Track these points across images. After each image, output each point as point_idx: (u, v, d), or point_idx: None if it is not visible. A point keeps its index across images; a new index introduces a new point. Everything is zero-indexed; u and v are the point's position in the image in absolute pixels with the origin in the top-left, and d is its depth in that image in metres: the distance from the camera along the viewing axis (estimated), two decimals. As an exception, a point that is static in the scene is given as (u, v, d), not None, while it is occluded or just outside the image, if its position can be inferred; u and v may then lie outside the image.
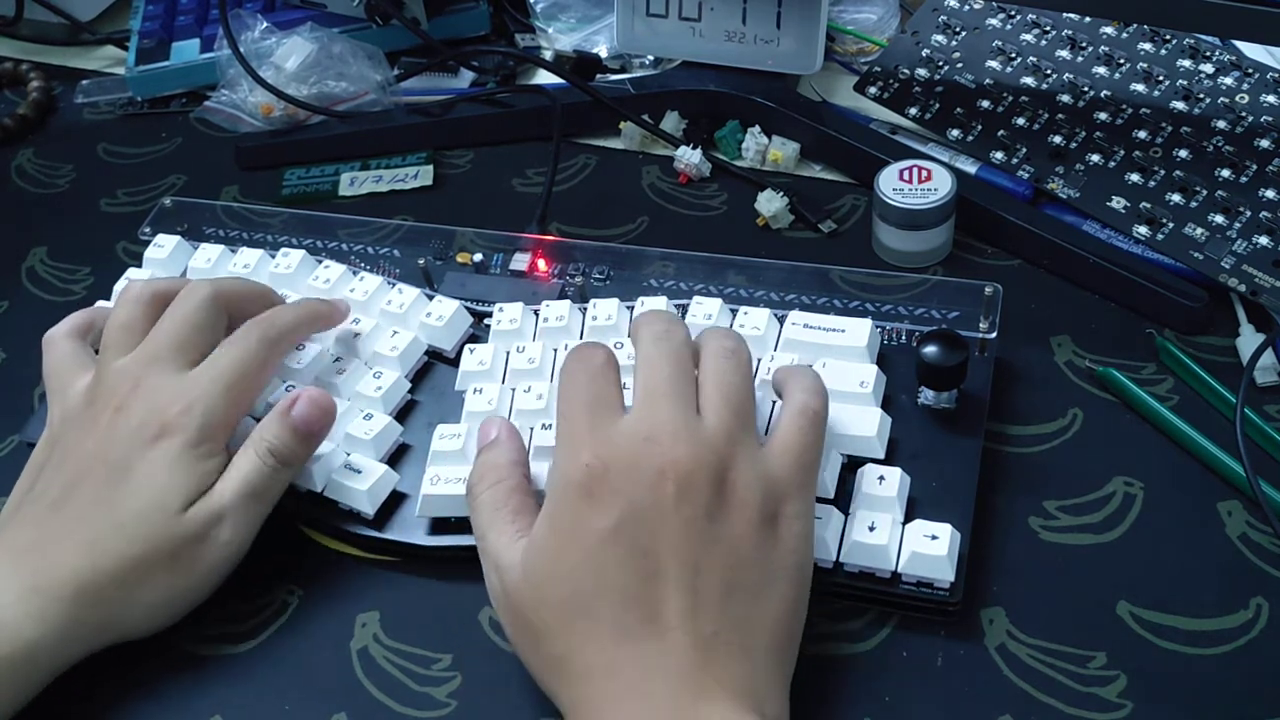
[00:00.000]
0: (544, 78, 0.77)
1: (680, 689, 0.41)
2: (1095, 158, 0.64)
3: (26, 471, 0.53)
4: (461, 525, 0.51)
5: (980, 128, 0.67)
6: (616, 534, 0.43)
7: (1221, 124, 0.64)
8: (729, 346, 0.49)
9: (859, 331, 0.55)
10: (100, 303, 0.62)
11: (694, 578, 0.43)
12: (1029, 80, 0.68)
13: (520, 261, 0.63)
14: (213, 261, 0.64)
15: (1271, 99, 0.65)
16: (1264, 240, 0.59)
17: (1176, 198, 0.62)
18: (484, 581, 0.48)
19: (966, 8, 0.72)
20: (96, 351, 0.56)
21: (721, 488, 0.44)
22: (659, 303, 0.57)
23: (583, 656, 0.43)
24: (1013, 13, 0.71)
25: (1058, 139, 0.66)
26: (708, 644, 0.42)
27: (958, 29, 0.71)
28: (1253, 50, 0.68)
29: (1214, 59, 0.67)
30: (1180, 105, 0.66)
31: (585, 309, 0.58)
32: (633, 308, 0.58)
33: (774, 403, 0.52)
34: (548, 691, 0.45)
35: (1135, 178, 0.63)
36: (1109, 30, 0.69)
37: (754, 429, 0.47)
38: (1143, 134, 0.65)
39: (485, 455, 0.50)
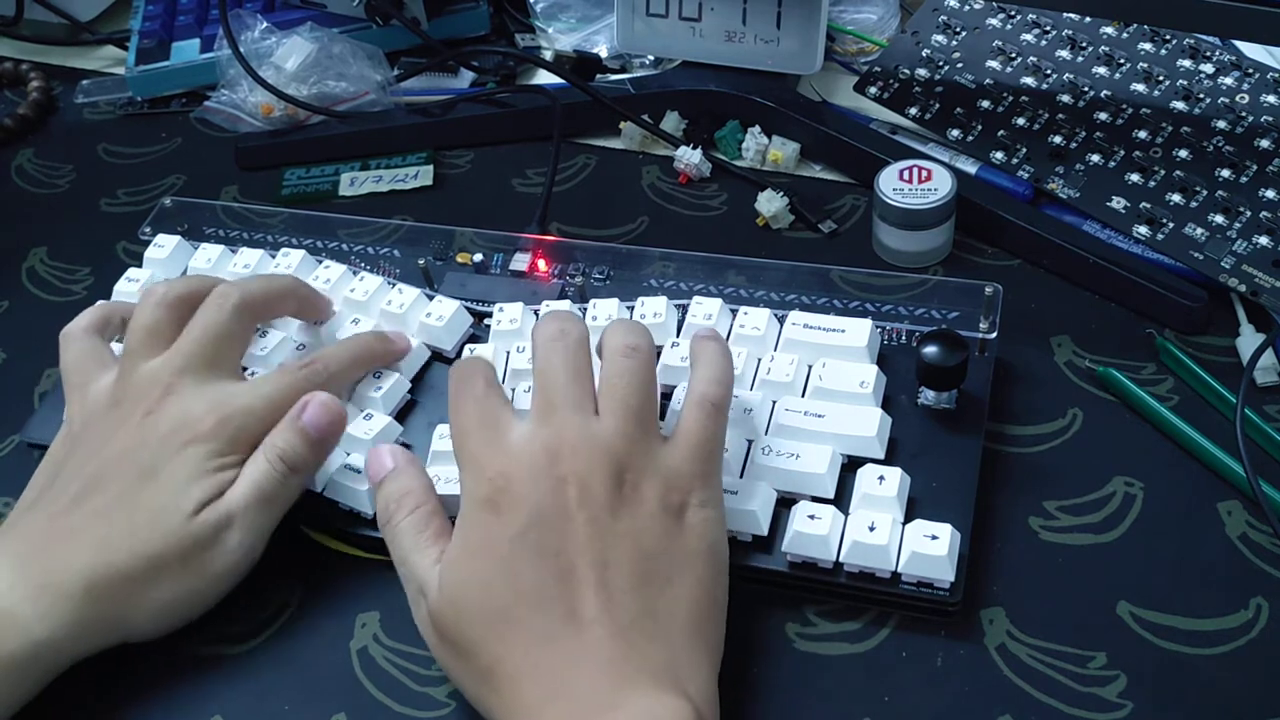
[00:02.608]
0: (544, 78, 0.77)
1: (604, 680, 0.42)
2: (1095, 158, 0.64)
3: (43, 468, 0.53)
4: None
5: (980, 128, 0.67)
6: (525, 539, 0.44)
7: (1221, 124, 0.64)
8: (629, 344, 0.49)
9: (859, 331, 0.55)
10: (109, 302, 0.62)
11: (604, 572, 0.44)
12: (1029, 80, 0.68)
13: (520, 261, 0.63)
14: (213, 261, 0.64)
15: (1271, 99, 0.65)
16: (1264, 240, 0.59)
17: (1176, 198, 0.62)
18: None
19: (966, 8, 0.72)
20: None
21: (620, 487, 0.45)
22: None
23: (508, 663, 0.43)
24: (1013, 13, 0.71)
25: (1058, 139, 0.66)
26: (625, 633, 0.43)
27: (958, 29, 0.71)
28: (1253, 50, 0.68)
29: (1214, 59, 0.67)
30: (1180, 105, 0.66)
31: (585, 309, 0.58)
32: (632, 308, 0.58)
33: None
34: (479, 706, 0.45)
35: (1135, 178, 0.63)
36: (1109, 30, 0.69)
37: (653, 426, 0.48)
38: (1143, 134, 0.65)
39: (396, 483, 0.50)
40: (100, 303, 0.59)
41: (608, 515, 0.45)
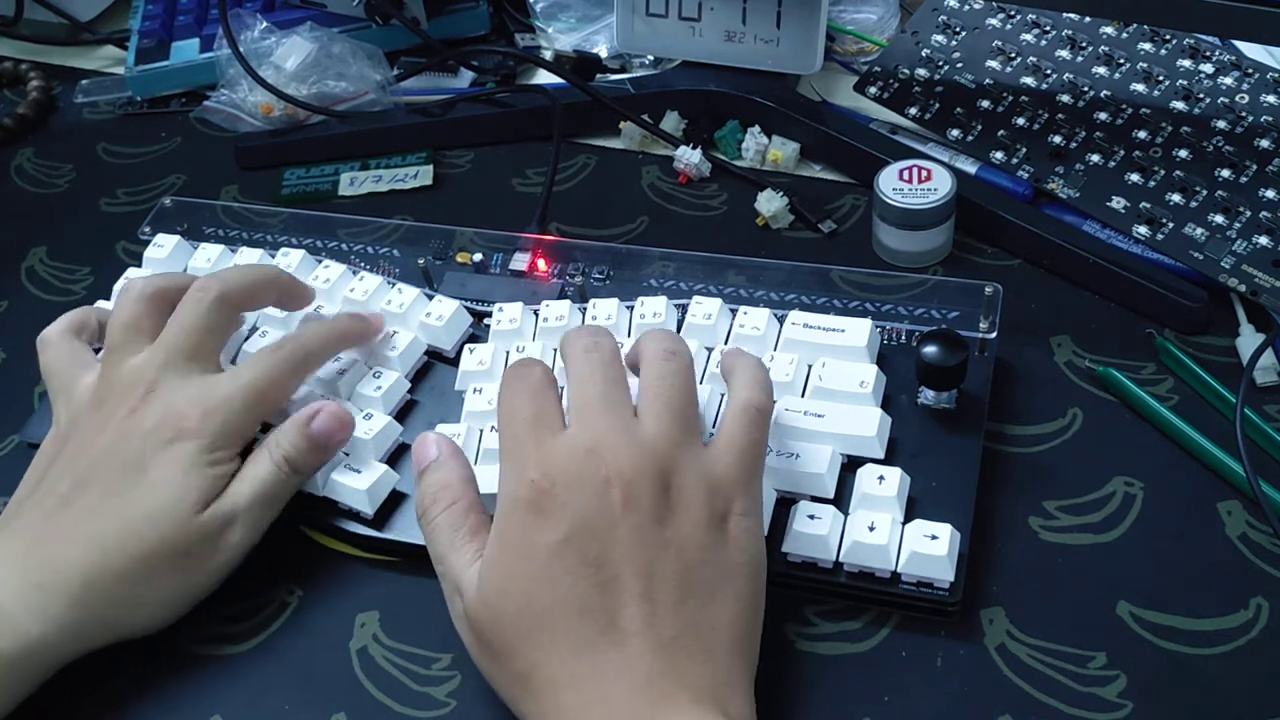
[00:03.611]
0: (544, 78, 0.77)
1: (643, 696, 0.42)
2: (1095, 158, 0.64)
3: (33, 468, 0.53)
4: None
5: (980, 128, 0.67)
6: (567, 546, 0.43)
7: (1221, 124, 0.64)
8: (668, 348, 0.48)
9: (859, 331, 0.55)
10: (84, 307, 0.62)
11: (648, 583, 0.43)
12: (1029, 80, 0.68)
13: (520, 261, 0.63)
14: (213, 261, 0.64)
15: (1271, 99, 0.65)
16: (1264, 240, 0.59)
17: (1176, 198, 0.62)
18: None
19: (966, 8, 0.72)
20: (94, 350, 0.56)
21: (666, 492, 0.44)
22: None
23: (544, 670, 0.43)
24: (1013, 13, 0.71)
25: (1058, 139, 0.66)
26: (668, 649, 0.42)
27: (958, 29, 0.71)
28: (1253, 50, 0.68)
29: (1214, 59, 0.67)
30: (1180, 105, 0.66)
31: (585, 309, 0.58)
32: (632, 308, 0.58)
33: (722, 395, 0.52)
34: (514, 708, 0.45)
35: (1135, 178, 0.63)
36: (1109, 30, 0.69)
37: (697, 430, 0.47)
38: (1143, 134, 0.65)
39: (434, 475, 0.49)
40: (78, 308, 0.58)
41: (653, 523, 0.44)
